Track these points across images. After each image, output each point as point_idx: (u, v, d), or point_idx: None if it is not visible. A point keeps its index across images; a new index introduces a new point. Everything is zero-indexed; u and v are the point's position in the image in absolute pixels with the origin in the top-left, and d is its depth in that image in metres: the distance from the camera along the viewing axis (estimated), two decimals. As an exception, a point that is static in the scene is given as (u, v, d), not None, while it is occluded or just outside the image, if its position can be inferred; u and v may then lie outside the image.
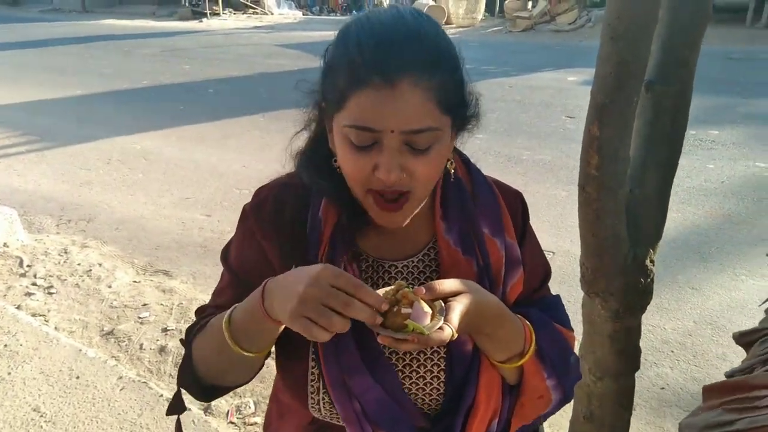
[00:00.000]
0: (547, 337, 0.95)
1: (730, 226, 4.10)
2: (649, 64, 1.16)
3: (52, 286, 3.43)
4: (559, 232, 4.02)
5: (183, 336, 1.00)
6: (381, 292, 0.80)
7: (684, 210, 4.32)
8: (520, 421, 0.99)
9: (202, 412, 2.42)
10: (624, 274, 1.32)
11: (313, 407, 0.93)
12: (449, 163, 0.94)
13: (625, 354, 1.44)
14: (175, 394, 0.96)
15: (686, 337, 2.98)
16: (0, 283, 3.45)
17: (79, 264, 3.68)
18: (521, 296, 1.01)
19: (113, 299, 3.29)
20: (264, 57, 12.05)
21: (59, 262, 3.70)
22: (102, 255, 3.85)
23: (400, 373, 0.93)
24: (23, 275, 3.54)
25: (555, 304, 1.07)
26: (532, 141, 5.99)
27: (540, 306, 1.02)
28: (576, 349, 1.48)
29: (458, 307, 0.79)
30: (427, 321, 0.76)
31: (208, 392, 0.96)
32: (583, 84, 8.27)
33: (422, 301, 0.78)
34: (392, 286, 0.81)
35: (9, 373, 2.62)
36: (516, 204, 1.04)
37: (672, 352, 2.88)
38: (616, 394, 1.49)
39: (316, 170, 0.93)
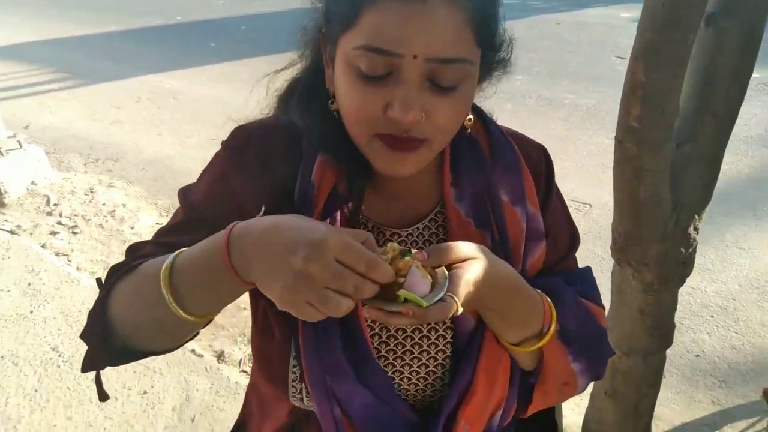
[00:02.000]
0: (571, 314, 0.79)
1: (790, 182, 3.76)
2: (712, -9, 0.94)
3: (76, 226, 3.44)
4: (599, 182, 3.76)
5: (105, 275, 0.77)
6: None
7: (739, 162, 3.98)
8: (541, 405, 0.85)
9: (215, 359, 2.40)
10: (662, 241, 1.15)
11: (294, 396, 0.79)
12: (467, 118, 0.77)
13: (657, 331, 1.28)
14: (89, 348, 0.76)
15: (728, 301, 2.77)
16: (27, 221, 3.48)
17: (104, 204, 3.68)
18: (544, 268, 0.85)
19: (135, 240, 3.28)
20: (300, -9, 11.61)
21: (85, 202, 3.71)
22: (127, 195, 3.83)
23: (399, 360, 0.79)
24: (50, 214, 3.56)
25: (583, 278, 0.90)
26: (578, 84, 5.60)
27: (565, 279, 0.86)
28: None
29: (465, 276, 0.64)
30: (426, 290, 0.62)
31: (116, 354, 0.75)
32: (637, 21, 7.67)
33: (421, 268, 0.63)
34: (385, 250, 0.65)
35: (31, 312, 2.65)
36: (539, 161, 0.87)
37: (711, 317, 2.69)
38: (642, 373, 1.34)
39: (312, 111, 0.76)
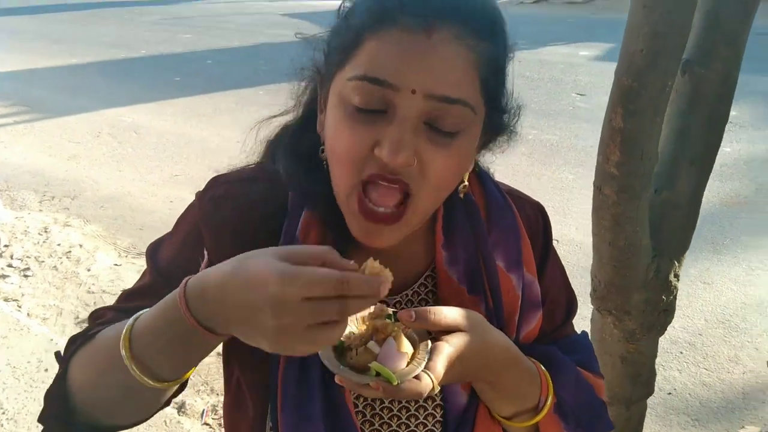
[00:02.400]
0: (570, 386, 0.75)
1: (746, 216, 3.87)
2: (688, 40, 0.94)
3: (28, 268, 3.25)
4: (564, 218, 3.80)
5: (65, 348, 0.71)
6: (357, 318, 0.60)
7: (698, 197, 4.09)
8: None
9: (176, 411, 2.26)
10: (643, 289, 1.13)
11: None
12: (462, 185, 0.73)
13: (640, 378, 1.25)
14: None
15: (696, 337, 2.79)
16: (-26, 263, 3.28)
17: (59, 244, 3.50)
18: (539, 336, 0.80)
19: (91, 284, 3.12)
20: (267, 27, 11.70)
21: (38, 242, 3.53)
22: (84, 235, 3.67)
23: (386, 426, 0.73)
24: (0, 256, 3.36)
25: (580, 345, 0.85)
26: (540, 120, 5.72)
27: (562, 347, 0.81)
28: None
29: (447, 351, 0.59)
30: (401, 364, 0.57)
31: None
32: (596, 59, 7.94)
33: (402, 337, 0.58)
34: (371, 310, 0.60)
35: (-26, 363, 2.46)
36: (537, 222, 0.82)
37: (681, 353, 2.69)
38: (626, 422, 1.30)
39: (299, 160, 0.71)
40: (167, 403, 0.71)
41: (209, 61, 8.59)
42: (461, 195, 0.74)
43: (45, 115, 6.06)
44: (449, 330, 0.61)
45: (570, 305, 0.85)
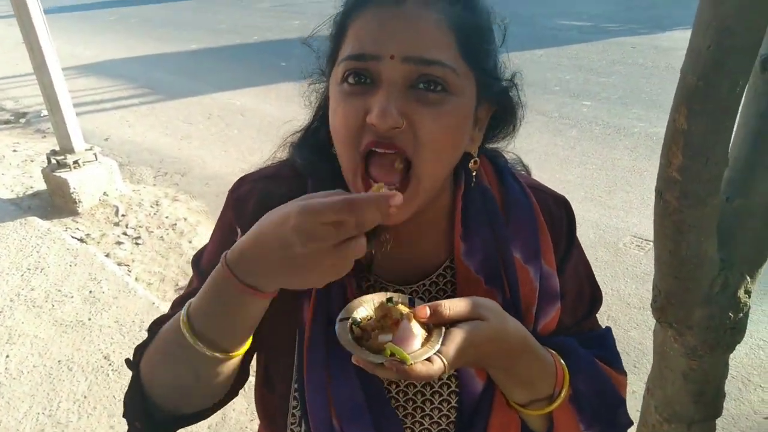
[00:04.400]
0: (588, 378, 0.76)
1: None
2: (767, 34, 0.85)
3: (140, 237, 3.61)
4: (665, 218, 3.54)
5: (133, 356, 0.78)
6: (373, 299, 0.66)
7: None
8: None
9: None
10: (707, 304, 1.04)
11: None
12: (472, 161, 0.75)
13: (703, 398, 1.16)
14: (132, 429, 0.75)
15: (808, 358, 2.51)
16: (96, 230, 3.69)
17: (167, 217, 3.85)
18: (560, 328, 0.81)
19: (191, 255, 3.40)
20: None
21: (150, 214, 3.89)
22: (189, 209, 3.99)
23: (401, 409, 0.76)
24: (117, 224, 3.76)
25: (602, 339, 0.86)
26: (650, 111, 5.33)
27: (583, 341, 0.81)
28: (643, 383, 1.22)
29: (460, 337, 0.61)
30: (416, 345, 0.61)
31: (163, 426, 0.74)
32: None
33: (415, 321, 0.62)
34: (385, 294, 0.67)
35: (89, 319, 2.79)
36: (560, 217, 0.84)
37: (787, 374, 2.44)
38: (687, 443, 1.22)
39: (312, 151, 0.78)
40: (234, 394, 0.79)
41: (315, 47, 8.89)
42: (473, 173, 0.76)
43: (164, 97, 6.62)
44: (464, 320, 0.64)
45: (593, 300, 0.86)
